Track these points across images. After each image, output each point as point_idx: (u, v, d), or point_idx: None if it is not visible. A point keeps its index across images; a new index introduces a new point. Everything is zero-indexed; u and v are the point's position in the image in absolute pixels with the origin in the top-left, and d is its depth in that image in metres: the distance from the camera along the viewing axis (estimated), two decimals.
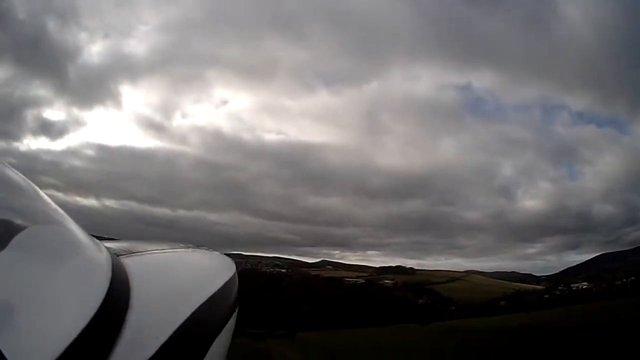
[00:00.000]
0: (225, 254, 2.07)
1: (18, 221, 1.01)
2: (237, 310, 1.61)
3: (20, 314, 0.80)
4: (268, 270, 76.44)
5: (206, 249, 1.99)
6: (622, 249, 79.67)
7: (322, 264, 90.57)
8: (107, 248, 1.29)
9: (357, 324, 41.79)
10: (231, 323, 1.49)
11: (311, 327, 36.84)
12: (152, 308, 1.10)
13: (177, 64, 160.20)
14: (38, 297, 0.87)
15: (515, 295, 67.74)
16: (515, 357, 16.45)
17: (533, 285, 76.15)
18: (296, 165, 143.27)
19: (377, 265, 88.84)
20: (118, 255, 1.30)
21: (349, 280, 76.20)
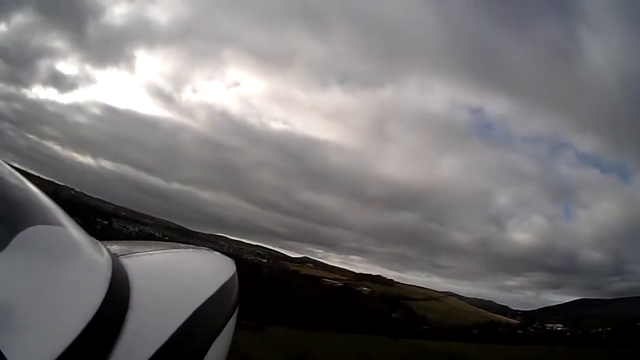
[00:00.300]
0: (217, 254, 2.03)
1: (18, 221, 1.01)
2: (237, 311, 1.57)
3: (20, 314, 0.80)
4: (249, 257, 76.11)
5: (206, 249, 2.01)
6: (603, 298, 79.79)
7: (304, 260, 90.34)
8: (107, 248, 1.30)
9: (329, 327, 41.62)
10: (231, 323, 1.46)
11: (281, 323, 36.71)
12: (152, 308, 1.11)
13: (197, 37, 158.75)
14: (38, 297, 0.88)
15: (489, 325, 67.79)
16: None
17: (508, 318, 76.17)
18: (297, 158, 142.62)
19: (358, 271, 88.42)
20: (118, 256, 1.31)
21: (327, 282, 75.81)
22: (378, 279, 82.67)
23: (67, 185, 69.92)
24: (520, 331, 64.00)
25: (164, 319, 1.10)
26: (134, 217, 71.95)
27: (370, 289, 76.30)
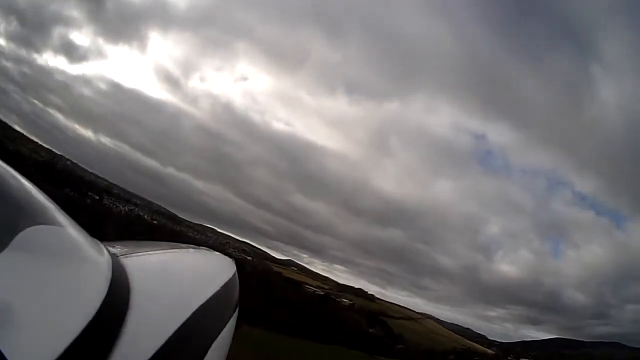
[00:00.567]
0: (217, 254, 2.02)
1: (18, 222, 1.03)
2: (237, 311, 1.56)
3: (20, 314, 0.80)
4: (234, 253, 75.55)
5: (206, 250, 2.02)
6: (581, 339, 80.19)
7: (288, 263, 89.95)
8: (107, 249, 1.31)
9: (305, 335, 41.24)
10: (231, 324, 1.45)
11: (258, 324, 36.34)
12: (151, 309, 1.11)
13: (213, 26, 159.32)
14: (38, 297, 0.88)
15: (465, 352, 67.75)
16: None
17: (484, 348, 76.24)
18: (294, 160, 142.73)
19: (340, 281, 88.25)
20: (118, 256, 1.31)
21: (309, 288, 75.40)
22: (359, 292, 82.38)
23: (65, 156, 69.40)
24: None
25: (164, 319, 1.10)
26: (126, 197, 71.24)
27: (350, 302, 75.93)
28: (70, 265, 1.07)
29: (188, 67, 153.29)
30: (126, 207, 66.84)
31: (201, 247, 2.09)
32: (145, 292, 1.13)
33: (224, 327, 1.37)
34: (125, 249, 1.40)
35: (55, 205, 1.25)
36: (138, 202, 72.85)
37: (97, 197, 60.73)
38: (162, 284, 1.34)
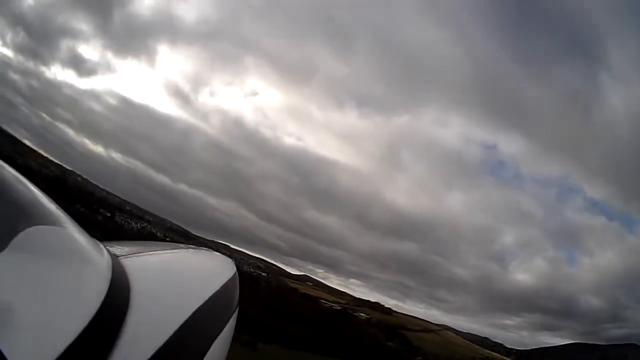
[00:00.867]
0: (223, 254, 1.99)
1: (19, 222, 1.02)
2: (237, 312, 1.57)
3: (20, 314, 0.80)
4: (249, 269, 74.76)
5: (206, 250, 2.00)
6: (598, 343, 79.18)
7: (304, 279, 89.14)
8: (107, 249, 1.30)
9: (322, 351, 40.43)
10: (231, 324, 1.45)
11: (274, 341, 35.42)
12: (151, 309, 1.11)
13: (222, 41, 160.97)
14: (38, 297, 0.88)
15: None
16: None
17: (502, 356, 74.81)
18: (306, 175, 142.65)
19: (357, 296, 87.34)
20: (118, 256, 1.31)
21: (325, 303, 74.64)
22: (376, 306, 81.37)
23: (75, 171, 69.59)
24: None
25: (164, 319, 1.10)
26: (138, 213, 71.36)
27: (368, 316, 74.99)
28: (71, 265, 1.07)
29: (198, 82, 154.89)
30: (138, 224, 66.85)
31: (201, 247, 2.06)
32: (145, 292, 1.13)
33: (224, 327, 1.36)
34: (126, 250, 1.40)
35: (56, 205, 1.24)
36: (150, 219, 72.87)
37: (109, 214, 60.61)
38: (162, 284, 1.34)
